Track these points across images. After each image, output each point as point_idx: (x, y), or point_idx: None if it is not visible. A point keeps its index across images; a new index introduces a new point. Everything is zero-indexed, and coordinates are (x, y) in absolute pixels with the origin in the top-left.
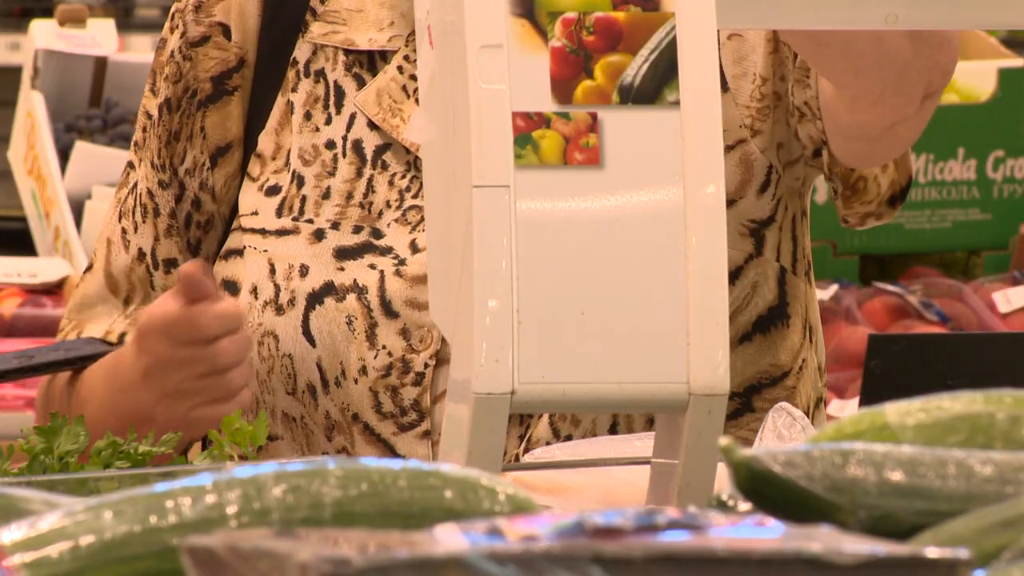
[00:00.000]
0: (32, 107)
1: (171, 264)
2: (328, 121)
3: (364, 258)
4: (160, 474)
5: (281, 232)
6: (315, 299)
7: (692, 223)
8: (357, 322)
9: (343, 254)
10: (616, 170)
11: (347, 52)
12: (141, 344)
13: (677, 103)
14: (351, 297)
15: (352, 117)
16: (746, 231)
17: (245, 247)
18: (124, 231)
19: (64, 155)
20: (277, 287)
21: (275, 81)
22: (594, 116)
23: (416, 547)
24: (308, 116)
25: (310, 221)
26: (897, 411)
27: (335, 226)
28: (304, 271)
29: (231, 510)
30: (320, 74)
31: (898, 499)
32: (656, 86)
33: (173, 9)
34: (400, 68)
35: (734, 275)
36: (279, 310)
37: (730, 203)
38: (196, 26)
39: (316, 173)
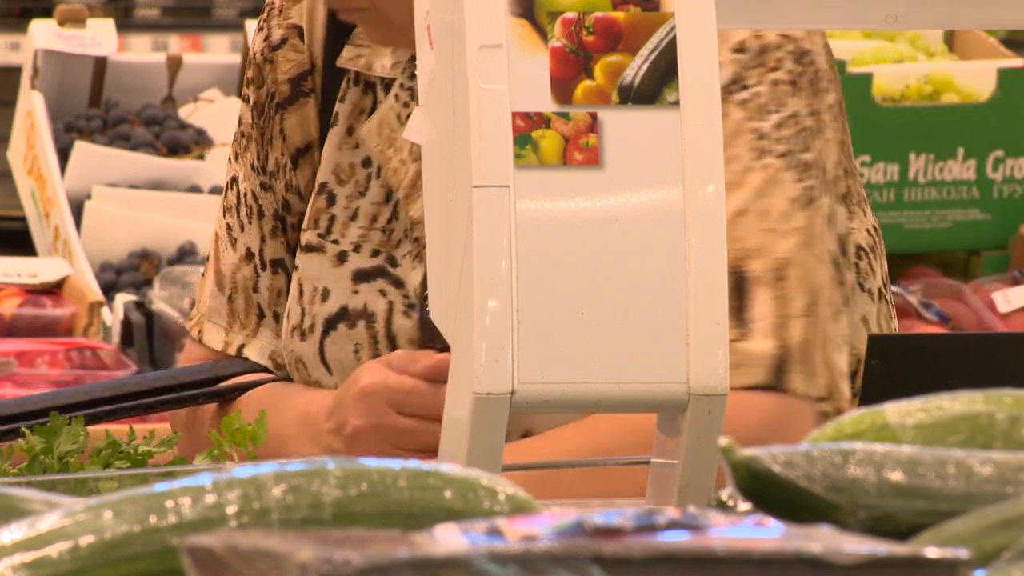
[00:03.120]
0: (32, 107)
1: (278, 265)
2: None
3: (377, 282)
4: (160, 474)
5: (308, 248)
6: (330, 325)
7: (692, 223)
8: (363, 351)
9: (359, 276)
10: (616, 170)
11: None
12: (359, 406)
13: (677, 103)
14: (360, 324)
15: None
16: None
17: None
18: (230, 228)
19: (64, 155)
20: (303, 311)
21: (338, 87)
22: (594, 116)
23: (416, 547)
24: (350, 131)
25: (335, 242)
26: (897, 411)
27: (356, 248)
28: (325, 295)
29: (231, 510)
30: (370, 86)
31: (898, 499)
32: (656, 86)
33: (264, 10)
34: (396, 96)
35: None
36: (303, 335)
37: None
38: (277, 29)
39: (348, 194)
